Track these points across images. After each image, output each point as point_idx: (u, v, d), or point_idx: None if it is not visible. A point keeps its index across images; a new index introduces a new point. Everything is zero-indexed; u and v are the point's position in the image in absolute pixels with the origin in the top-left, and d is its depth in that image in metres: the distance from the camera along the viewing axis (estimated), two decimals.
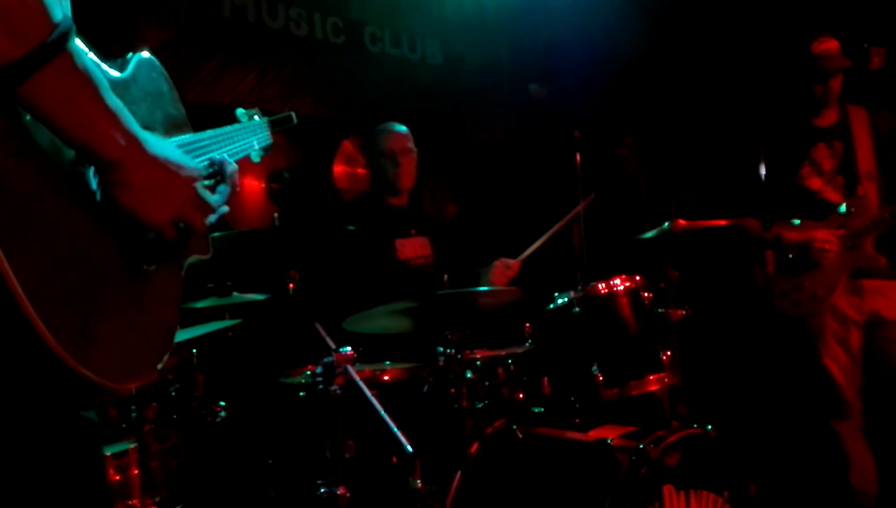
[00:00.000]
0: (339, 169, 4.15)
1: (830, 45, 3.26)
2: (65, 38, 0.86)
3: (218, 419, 2.54)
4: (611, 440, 2.43)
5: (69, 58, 0.87)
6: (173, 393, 2.49)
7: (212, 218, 1.12)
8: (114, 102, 0.93)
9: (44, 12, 0.84)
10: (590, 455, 2.49)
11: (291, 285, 2.48)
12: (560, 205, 3.51)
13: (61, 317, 0.84)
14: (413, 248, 3.51)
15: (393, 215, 3.54)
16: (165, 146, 1.05)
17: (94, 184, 0.96)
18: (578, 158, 3.49)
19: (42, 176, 0.88)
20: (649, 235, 3.17)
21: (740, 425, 3.38)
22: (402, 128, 3.61)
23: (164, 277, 1.10)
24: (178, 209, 1.04)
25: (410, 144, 3.58)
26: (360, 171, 4.17)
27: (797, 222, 3.32)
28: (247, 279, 2.94)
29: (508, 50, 5.35)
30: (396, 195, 3.57)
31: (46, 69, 0.84)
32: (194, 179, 1.08)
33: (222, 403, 2.60)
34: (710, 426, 2.54)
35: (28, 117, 0.87)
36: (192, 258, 1.19)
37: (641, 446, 2.34)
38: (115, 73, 1.07)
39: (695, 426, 2.54)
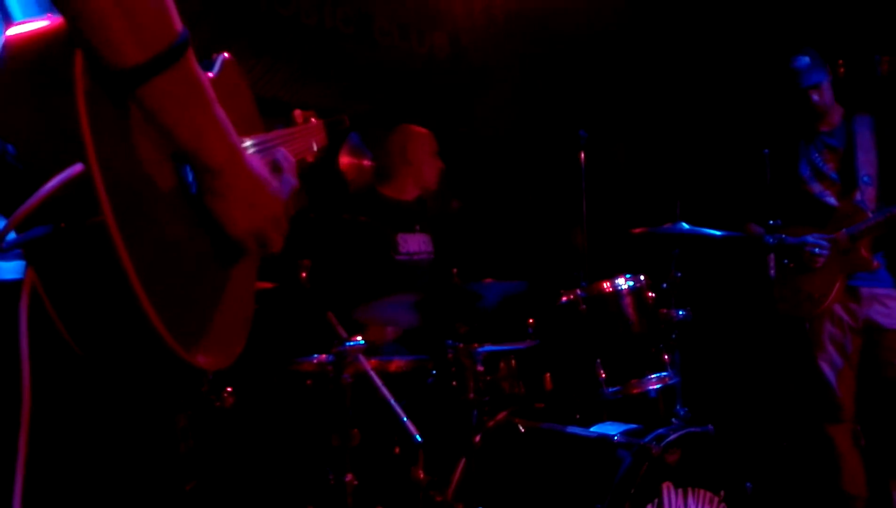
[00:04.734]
0: (345, 160, 4.16)
1: (800, 61, 3.31)
2: (185, 45, 0.87)
3: (226, 405, 2.56)
4: (614, 437, 2.46)
5: (187, 65, 0.88)
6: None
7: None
8: (220, 112, 0.95)
9: (170, 20, 0.86)
10: (592, 450, 2.52)
11: (304, 275, 2.50)
12: (563, 201, 3.54)
13: (169, 303, 0.86)
14: (417, 243, 3.55)
15: (398, 210, 3.58)
16: (258, 162, 1.06)
17: (189, 177, 0.99)
18: (583, 156, 3.53)
19: (149, 166, 0.90)
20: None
21: (738, 425, 3.43)
22: None
23: (244, 267, 1.13)
24: (260, 225, 1.05)
25: None
26: (366, 163, 4.18)
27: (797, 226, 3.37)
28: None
29: (514, 45, 5.36)
30: (407, 192, 3.65)
31: (166, 75, 0.86)
32: (281, 200, 1.09)
33: (230, 389, 2.62)
34: (709, 426, 2.58)
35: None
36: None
37: (643, 443, 2.38)
38: (207, 73, 1.08)
39: (694, 425, 2.59)
